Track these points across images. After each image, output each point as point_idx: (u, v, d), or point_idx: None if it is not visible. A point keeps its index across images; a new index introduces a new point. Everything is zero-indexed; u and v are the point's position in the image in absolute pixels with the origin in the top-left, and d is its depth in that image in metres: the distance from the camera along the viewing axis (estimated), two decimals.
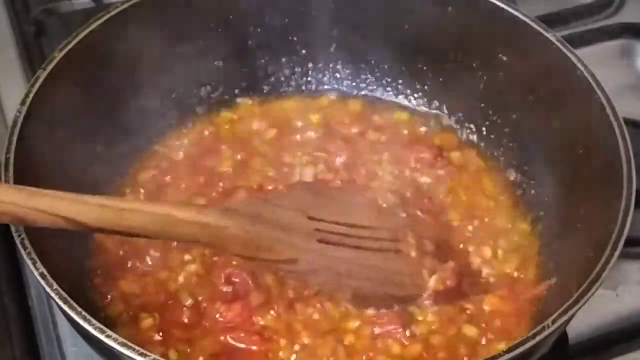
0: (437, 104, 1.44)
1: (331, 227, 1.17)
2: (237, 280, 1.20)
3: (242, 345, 1.15)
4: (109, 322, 1.16)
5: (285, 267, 1.15)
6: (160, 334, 1.17)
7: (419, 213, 1.27)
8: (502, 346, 1.11)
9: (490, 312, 1.20)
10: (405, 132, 1.41)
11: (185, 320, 1.18)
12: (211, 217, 1.08)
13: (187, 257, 1.23)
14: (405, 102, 1.46)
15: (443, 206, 1.31)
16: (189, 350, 1.15)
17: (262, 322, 1.17)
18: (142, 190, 1.32)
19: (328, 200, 1.22)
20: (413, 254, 1.20)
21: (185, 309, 1.19)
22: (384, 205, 1.26)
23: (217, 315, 1.17)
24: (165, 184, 1.34)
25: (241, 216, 1.10)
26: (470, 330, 1.18)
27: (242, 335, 1.16)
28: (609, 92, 1.19)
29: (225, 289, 1.20)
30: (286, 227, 1.14)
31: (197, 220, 1.07)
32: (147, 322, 1.17)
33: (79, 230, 1.04)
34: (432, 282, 1.19)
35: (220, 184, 1.33)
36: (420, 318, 1.19)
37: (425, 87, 1.44)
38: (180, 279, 1.22)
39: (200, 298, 1.20)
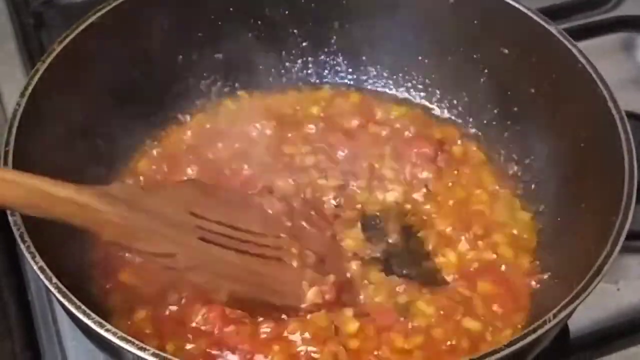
0: (438, 97, 1.44)
1: (214, 226, 1.15)
2: None
3: (231, 350, 1.13)
4: (107, 314, 1.16)
5: (163, 260, 1.12)
6: (154, 326, 1.16)
7: (304, 224, 1.25)
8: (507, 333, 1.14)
9: (485, 299, 1.20)
10: (406, 125, 1.40)
11: (175, 316, 1.17)
12: (87, 198, 1.03)
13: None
14: (406, 96, 1.46)
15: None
16: (182, 345, 1.14)
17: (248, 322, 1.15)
18: (142, 179, 1.32)
19: (215, 201, 1.20)
20: (295, 264, 1.19)
21: (172, 306, 1.18)
22: (270, 212, 1.24)
23: (200, 317, 1.16)
24: (165, 174, 1.34)
25: (119, 202, 1.07)
26: (470, 323, 1.18)
27: (231, 340, 1.14)
28: (610, 85, 1.19)
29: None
30: (167, 220, 1.11)
31: (72, 199, 1.02)
32: (140, 314, 1.17)
33: None
34: (311, 295, 1.17)
35: (220, 175, 1.33)
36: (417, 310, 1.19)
37: (427, 80, 1.44)
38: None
39: (184, 295, 1.18)
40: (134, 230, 1.07)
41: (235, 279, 1.15)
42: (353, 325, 1.16)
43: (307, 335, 1.14)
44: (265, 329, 1.15)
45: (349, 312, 1.18)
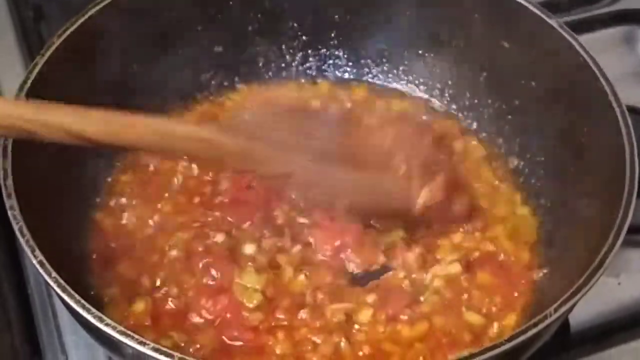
0: (439, 91, 1.44)
1: (321, 145, 1.21)
2: (217, 273, 1.19)
3: (238, 343, 1.14)
4: (106, 306, 1.16)
5: (281, 180, 1.21)
6: (153, 319, 1.16)
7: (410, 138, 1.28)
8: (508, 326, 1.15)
9: (485, 290, 1.20)
10: (406, 119, 1.40)
11: (175, 310, 1.17)
12: (209, 133, 1.14)
13: (170, 242, 1.23)
14: (407, 89, 1.45)
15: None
16: (183, 338, 1.14)
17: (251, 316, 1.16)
18: (137, 173, 1.32)
19: (325, 125, 1.26)
20: (403, 168, 1.21)
21: (171, 299, 1.18)
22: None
23: (204, 311, 1.16)
24: (165, 164, 1.33)
25: (238, 133, 1.16)
26: (471, 316, 1.18)
27: (235, 333, 1.14)
28: (611, 79, 1.18)
29: (205, 280, 1.19)
30: (281, 144, 1.18)
31: (195, 136, 1.13)
32: (139, 306, 1.16)
33: (82, 145, 1.07)
34: (424, 194, 1.20)
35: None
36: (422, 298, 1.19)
37: (427, 73, 1.44)
38: (166, 264, 1.21)
39: (185, 286, 1.19)
40: (252, 156, 1.17)
41: (349, 191, 1.21)
42: (367, 313, 1.16)
43: (317, 324, 1.15)
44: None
45: (369, 298, 1.18)
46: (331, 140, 1.22)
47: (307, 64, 1.46)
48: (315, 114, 1.34)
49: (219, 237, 1.23)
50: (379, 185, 1.22)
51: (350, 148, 1.23)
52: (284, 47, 1.45)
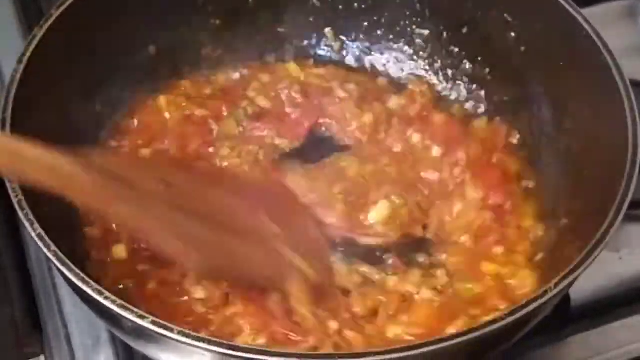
0: (441, 70, 1.43)
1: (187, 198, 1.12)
2: None
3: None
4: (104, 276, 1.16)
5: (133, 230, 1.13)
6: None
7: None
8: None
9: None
10: (407, 106, 1.39)
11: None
12: (61, 159, 1.01)
13: None
14: (408, 70, 1.44)
15: None
16: None
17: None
18: (140, 141, 1.32)
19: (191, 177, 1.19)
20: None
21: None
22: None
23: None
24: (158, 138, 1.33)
25: (94, 169, 1.03)
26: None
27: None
28: (614, 52, 1.18)
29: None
30: (138, 190, 1.08)
31: (44, 160, 1.00)
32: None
33: None
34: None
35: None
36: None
37: (429, 51, 1.43)
38: None
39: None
40: (106, 198, 1.05)
41: (206, 253, 1.11)
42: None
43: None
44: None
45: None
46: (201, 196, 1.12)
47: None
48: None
49: None
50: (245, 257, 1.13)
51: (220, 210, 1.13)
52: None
